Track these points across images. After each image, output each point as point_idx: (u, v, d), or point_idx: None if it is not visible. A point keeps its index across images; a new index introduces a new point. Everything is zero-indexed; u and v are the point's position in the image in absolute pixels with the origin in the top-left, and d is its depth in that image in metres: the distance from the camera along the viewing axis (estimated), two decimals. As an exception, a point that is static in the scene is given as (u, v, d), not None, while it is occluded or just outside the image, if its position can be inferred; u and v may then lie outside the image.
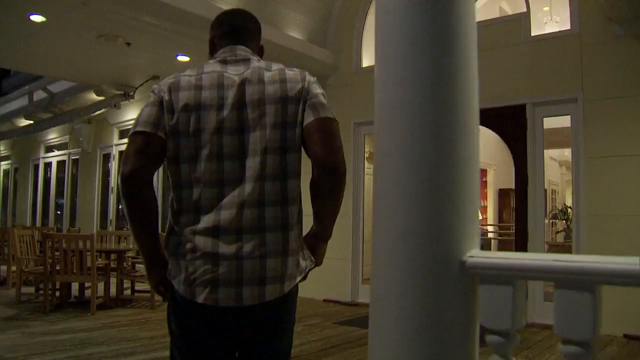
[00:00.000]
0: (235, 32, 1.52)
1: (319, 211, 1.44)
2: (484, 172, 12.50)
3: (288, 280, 1.37)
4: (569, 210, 9.98)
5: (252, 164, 1.35)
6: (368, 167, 6.98)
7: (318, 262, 1.50)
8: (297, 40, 6.06)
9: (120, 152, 9.02)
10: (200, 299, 1.31)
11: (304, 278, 1.42)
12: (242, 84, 1.40)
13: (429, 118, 0.97)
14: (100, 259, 5.86)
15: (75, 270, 5.14)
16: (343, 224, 6.52)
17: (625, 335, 4.34)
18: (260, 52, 1.57)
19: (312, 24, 6.45)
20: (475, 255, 0.97)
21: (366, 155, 6.84)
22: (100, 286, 5.69)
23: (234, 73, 1.42)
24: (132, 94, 7.73)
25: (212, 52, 1.53)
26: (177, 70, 1.50)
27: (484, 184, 12.78)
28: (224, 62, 1.46)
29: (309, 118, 1.38)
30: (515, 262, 0.94)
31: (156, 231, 1.42)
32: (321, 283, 5.65)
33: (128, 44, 5.64)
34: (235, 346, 1.41)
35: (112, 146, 9.79)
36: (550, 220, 11.24)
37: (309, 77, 1.45)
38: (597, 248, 4.84)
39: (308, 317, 5.63)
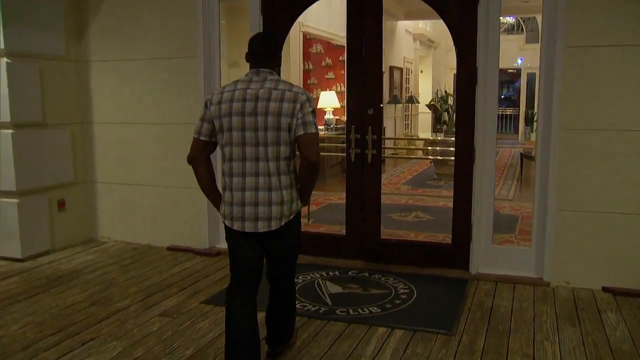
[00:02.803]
0: (259, 56, 2.58)
1: (301, 185, 2.63)
2: (340, 50, 11.01)
3: (285, 218, 2.55)
4: (449, 97, 9.37)
5: (262, 149, 2.47)
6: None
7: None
8: None
9: None
10: (235, 227, 2.55)
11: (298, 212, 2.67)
12: (257, 99, 2.47)
13: None
14: None
15: None
16: (190, 137, 4.84)
17: (604, 289, 4.04)
18: (279, 62, 2.71)
19: None
20: None
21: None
22: None
23: (253, 89, 2.49)
24: None
25: (248, 62, 2.64)
26: None
27: (341, 64, 11.36)
28: (249, 81, 2.54)
29: (300, 131, 2.47)
30: None
31: (211, 187, 2.71)
32: (164, 222, 5.24)
33: None
34: (260, 247, 2.63)
35: None
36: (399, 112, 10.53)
37: (302, 98, 2.49)
38: (569, 176, 3.99)
39: (140, 290, 3.88)
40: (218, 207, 2.66)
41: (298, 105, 2.45)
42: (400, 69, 13.26)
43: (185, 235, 5.11)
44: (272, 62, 2.59)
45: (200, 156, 2.61)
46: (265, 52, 2.57)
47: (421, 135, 12.41)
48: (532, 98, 15.94)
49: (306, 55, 10.55)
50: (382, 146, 4.72)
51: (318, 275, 4.34)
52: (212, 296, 3.94)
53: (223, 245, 4.96)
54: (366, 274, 4.39)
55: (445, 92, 10.85)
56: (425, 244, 4.93)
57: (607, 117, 3.86)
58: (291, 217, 2.57)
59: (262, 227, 2.50)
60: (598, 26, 3.79)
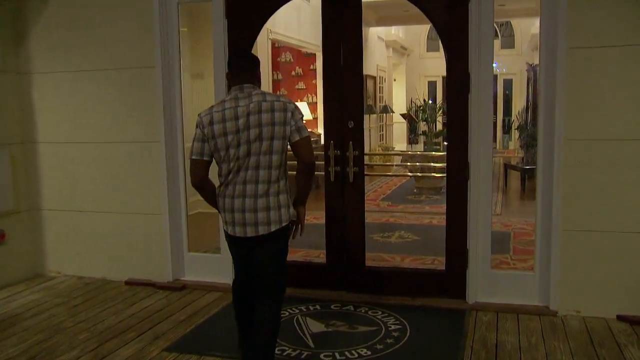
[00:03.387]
0: (242, 74, 2.74)
1: (299, 188, 2.79)
2: (311, 58, 10.66)
3: (274, 224, 2.66)
4: (427, 106, 9.06)
5: (253, 159, 2.63)
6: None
7: (301, 223, 2.85)
8: None
9: None
10: (229, 231, 2.74)
11: (289, 225, 2.75)
12: (248, 115, 2.62)
13: None
14: None
15: None
16: (150, 157, 4.53)
17: (619, 317, 3.70)
18: (258, 77, 2.82)
19: None
20: None
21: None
22: None
23: (242, 106, 2.63)
24: None
25: (229, 82, 2.81)
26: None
27: (313, 73, 11.02)
28: (236, 98, 2.67)
29: (296, 137, 2.66)
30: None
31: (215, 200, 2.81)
32: (121, 253, 4.76)
33: None
34: (248, 250, 2.78)
35: None
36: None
37: (291, 107, 2.68)
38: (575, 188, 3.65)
39: (92, 336, 3.37)
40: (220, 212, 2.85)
41: (289, 114, 2.64)
42: (374, 78, 13.05)
43: (146, 267, 4.62)
44: (254, 77, 2.76)
45: (206, 177, 2.74)
46: (247, 67, 2.75)
47: (397, 146, 12.12)
48: (508, 104, 15.87)
49: (275, 65, 10.16)
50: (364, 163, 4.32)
51: (297, 311, 3.91)
52: (176, 341, 3.47)
53: (189, 277, 4.64)
54: (351, 308, 3.98)
55: (424, 100, 10.57)
56: (416, 272, 4.52)
57: (619, 125, 3.54)
58: (282, 225, 2.69)
59: (250, 232, 2.66)
60: (607, 23, 3.48)
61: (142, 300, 4.26)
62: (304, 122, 2.75)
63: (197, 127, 2.68)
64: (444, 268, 4.13)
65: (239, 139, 2.59)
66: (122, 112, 4.55)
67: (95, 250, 4.77)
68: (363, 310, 3.91)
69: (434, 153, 8.57)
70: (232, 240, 2.78)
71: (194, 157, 2.68)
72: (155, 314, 3.96)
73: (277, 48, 10.02)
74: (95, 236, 4.75)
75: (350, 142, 4.07)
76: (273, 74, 10.10)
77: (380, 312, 3.87)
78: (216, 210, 2.84)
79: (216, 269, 4.49)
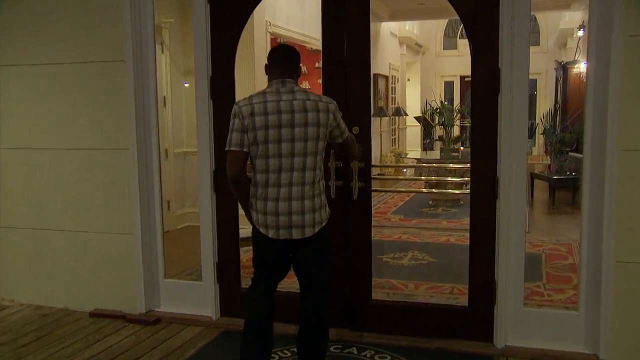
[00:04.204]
0: (284, 67, 2.76)
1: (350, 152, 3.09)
2: (316, 55, 10.14)
3: (317, 225, 2.76)
4: (445, 108, 8.50)
5: (297, 160, 2.68)
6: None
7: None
8: None
9: None
10: (270, 234, 2.73)
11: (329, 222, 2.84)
12: (292, 112, 2.65)
13: None
14: None
15: None
16: (120, 166, 4.10)
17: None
18: (299, 73, 2.83)
19: None
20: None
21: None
22: None
23: (285, 101, 2.67)
24: None
25: (267, 74, 2.82)
26: None
27: (318, 72, 10.47)
28: (277, 92, 2.70)
29: (339, 138, 2.87)
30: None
31: (247, 198, 2.83)
32: (87, 279, 4.29)
33: None
34: (290, 253, 2.86)
35: None
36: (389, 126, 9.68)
37: (332, 107, 2.76)
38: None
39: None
40: (248, 213, 2.85)
41: (331, 115, 2.73)
42: (386, 77, 12.60)
43: (115, 296, 4.13)
44: (295, 72, 2.79)
45: (244, 171, 2.74)
46: (290, 60, 2.78)
47: (411, 153, 11.58)
48: (531, 106, 15.29)
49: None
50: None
51: (289, 354, 3.38)
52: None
53: (165, 307, 4.15)
54: (354, 350, 3.45)
55: (441, 102, 10.02)
56: (433, 308, 3.94)
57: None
58: (324, 224, 2.79)
59: (296, 234, 2.71)
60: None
61: (107, 337, 3.75)
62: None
63: (234, 117, 2.69)
64: (466, 303, 3.59)
65: (279, 135, 2.64)
66: (87, 112, 4.07)
67: (56, 275, 4.27)
68: (369, 354, 3.39)
69: (451, 165, 8.01)
70: (271, 244, 2.77)
71: (233, 148, 2.68)
72: (119, 356, 3.45)
73: (278, 43, 9.54)
74: (56, 259, 4.26)
75: (355, 151, 3.54)
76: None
77: (389, 357, 3.34)
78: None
79: (197, 299, 4.03)
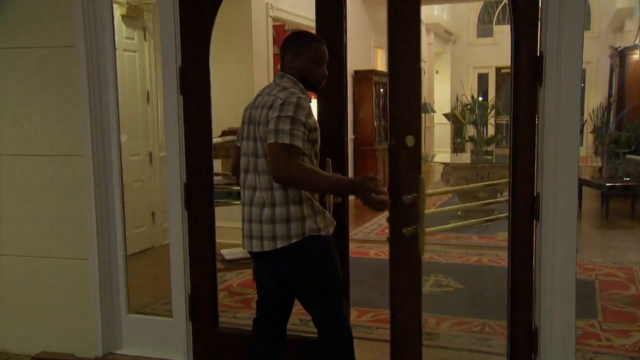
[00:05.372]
0: (281, 59, 2.71)
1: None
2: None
3: (281, 240, 2.52)
4: (477, 105, 7.91)
5: (254, 161, 2.59)
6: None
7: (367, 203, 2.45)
8: None
9: None
10: (243, 245, 2.72)
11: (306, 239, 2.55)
12: (255, 108, 2.62)
13: None
14: None
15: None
16: (71, 176, 3.70)
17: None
18: (289, 68, 2.66)
19: None
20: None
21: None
22: None
23: (263, 95, 2.63)
24: None
25: None
26: None
27: (332, 63, 10.00)
28: (268, 85, 2.71)
29: (269, 139, 2.48)
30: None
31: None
32: (31, 315, 3.90)
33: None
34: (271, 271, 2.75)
35: None
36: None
37: (278, 102, 2.48)
38: None
39: None
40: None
41: (270, 112, 2.50)
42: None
43: (65, 336, 3.74)
44: (289, 64, 2.66)
45: (238, 166, 2.76)
46: (282, 52, 2.69)
47: (438, 155, 11.01)
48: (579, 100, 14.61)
49: (284, 52, 9.19)
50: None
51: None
52: None
53: (128, 349, 3.79)
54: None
55: (472, 97, 9.41)
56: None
57: None
58: (294, 241, 2.53)
59: (255, 246, 2.60)
60: None
61: (51, 388, 3.30)
62: (292, 124, 2.44)
63: None
64: (502, 346, 3.07)
65: (248, 131, 2.64)
66: (31, 110, 3.64)
67: (-3, 308, 3.87)
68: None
69: (484, 164, 7.42)
70: (251, 256, 2.78)
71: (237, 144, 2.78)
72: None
73: (286, 31, 9.09)
74: (-3, 289, 3.85)
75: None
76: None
77: None
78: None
79: (166, 338, 3.62)
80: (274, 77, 2.69)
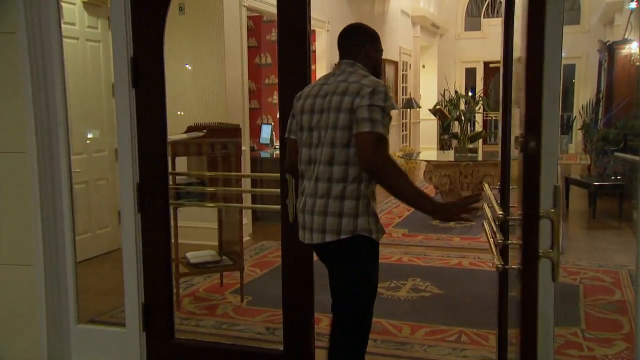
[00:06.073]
0: (341, 47, 2.69)
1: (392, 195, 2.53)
2: (311, 37, 9.42)
3: (345, 233, 2.46)
4: (473, 99, 7.75)
5: (322, 151, 2.50)
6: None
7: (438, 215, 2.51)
8: None
9: None
10: (299, 236, 2.65)
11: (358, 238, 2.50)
12: (326, 95, 2.54)
13: None
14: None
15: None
16: (12, 176, 3.52)
17: None
18: (366, 57, 2.65)
19: None
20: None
21: None
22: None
23: (330, 84, 2.56)
24: None
25: None
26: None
27: (313, 56, 9.79)
28: (332, 75, 2.63)
29: (355, 129, 2.42)
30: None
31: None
32: None
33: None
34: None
35: None
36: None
37: (367, 90, 2.41)
38: None
39: None
40: None
41: (358, 99, 2.42)
42: (395, 63, 12.05)
43: (10, 347, 3.54)
44: (354, 51, 2.66)
45: (296, 160, 2.71)
46: (346, 38, 2.70)
47: (424, 152, 10.84)
48: (567, 96, 14.53)
49: (263, 45, 8.98)
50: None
51: None
52: None
53: None
54: None
55: (456, 92, 9.24)
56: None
57: None
58: (353, 235, 2.48)
59: (316, 238, 2.55)
60: None
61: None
62: (383, 115, 2.41)
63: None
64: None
65: (311, 121, 2.58)
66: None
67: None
68: None
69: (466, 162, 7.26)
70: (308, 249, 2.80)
71: (285, 135, 2.79)
72: None
73: (265, 23, 8.87)
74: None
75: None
76: (260, 57, 8.94)
77: None
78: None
79: (119, 351, 3.45)
80: (339, 64, 2.65)
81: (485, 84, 13.16)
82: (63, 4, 4.00)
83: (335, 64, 2.74)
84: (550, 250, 1.76)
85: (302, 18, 3.04)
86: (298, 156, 2.66)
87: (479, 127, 12.51)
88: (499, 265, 2.03)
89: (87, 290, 4.83)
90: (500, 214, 1.95)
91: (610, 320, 4.05)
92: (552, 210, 1.79)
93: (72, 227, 3.52)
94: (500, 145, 2.80)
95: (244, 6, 6.67)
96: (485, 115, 13.56)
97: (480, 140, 10.11)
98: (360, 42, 2.65)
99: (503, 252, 2.44)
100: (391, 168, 2.38)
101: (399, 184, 2.39)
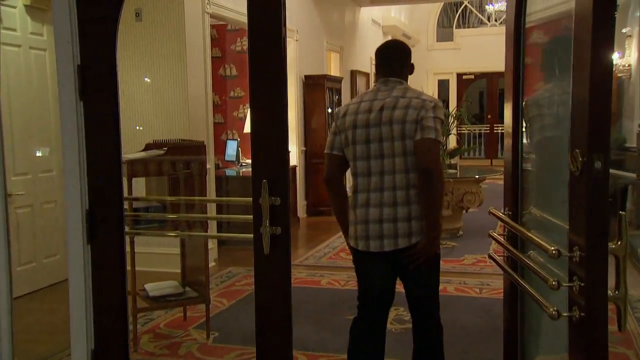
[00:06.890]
0: (387, 65, 2.97)
1: (422, 206, 2.84)
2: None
3: (415, 236, 2.81)
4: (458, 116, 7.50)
5: (387, 161, 2.81)
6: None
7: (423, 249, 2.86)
8: None
9: None
10: (360, 247, 2.89)
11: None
12: (382, 109, 2.82)
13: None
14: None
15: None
16: None
17: None
18: (411, 70, 3.03)
19: None
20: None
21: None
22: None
23: (380, 99, 2.85)
24: None
25: (376, 73, 3.06)
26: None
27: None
28: (377, 91, 2.93)
29: (417, 136, 2.76)
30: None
31: (341, 210, 3.06)
32: None
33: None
34: (391, 268, 2.98)
35: None
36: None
37: (429, 105, 2.79)
38: None
39: None
40: (345, 232, 3.04)
41: (423, 112, 2.75)
42: (366, 75, 11.84)
43: None
44: (402, 69, 2.96)
45: (337, 176, 3.00)
46: (394, 58, 2.98)
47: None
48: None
49: (228, 56, 8.65)
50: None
51: None
52: None
53: None
54: None
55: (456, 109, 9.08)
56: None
57: None
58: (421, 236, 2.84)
59: (388, 245, 2.81)
60: None
61: None
62: (440, 125, 2.80)
63: (334, 119, 3.02)
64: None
65: (367, 135, 2.82)
66: None
67: None
68: None
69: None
70: (365, 257, 2.93)
71: (326, 151, 2.99)
72: None
73: (230, 32, 8.56)
74: None
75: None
76: (225, 68, 8.61)
77: None
78: None
79: None
80: (387, 81, 2.92)
81: (460, 96, 13.05)
82: (1, 7, 3.64)
83: (378, 81, 2.98)
84: (617, 293, 1.47)
85: (277, 20, 2.71)
86: (346, 169, 2.98)
87: (453, 141, 12.35)
88: (553, 312, 1.68)
89: (29, 329, 4.41)
90: (554, 251, 1.63)
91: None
92: (618, 245, 1.50)
93: (7, 258, 3.10)
94: (506, 161, 2.54)
95: (207, 13, 6.34)
96: (459, 128, 13.43)
97: (458, 157, 9.91)
98: (405, 61, 2.99)
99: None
100: (442, 176, 2.83)
101: (439, 193, 2.79)
